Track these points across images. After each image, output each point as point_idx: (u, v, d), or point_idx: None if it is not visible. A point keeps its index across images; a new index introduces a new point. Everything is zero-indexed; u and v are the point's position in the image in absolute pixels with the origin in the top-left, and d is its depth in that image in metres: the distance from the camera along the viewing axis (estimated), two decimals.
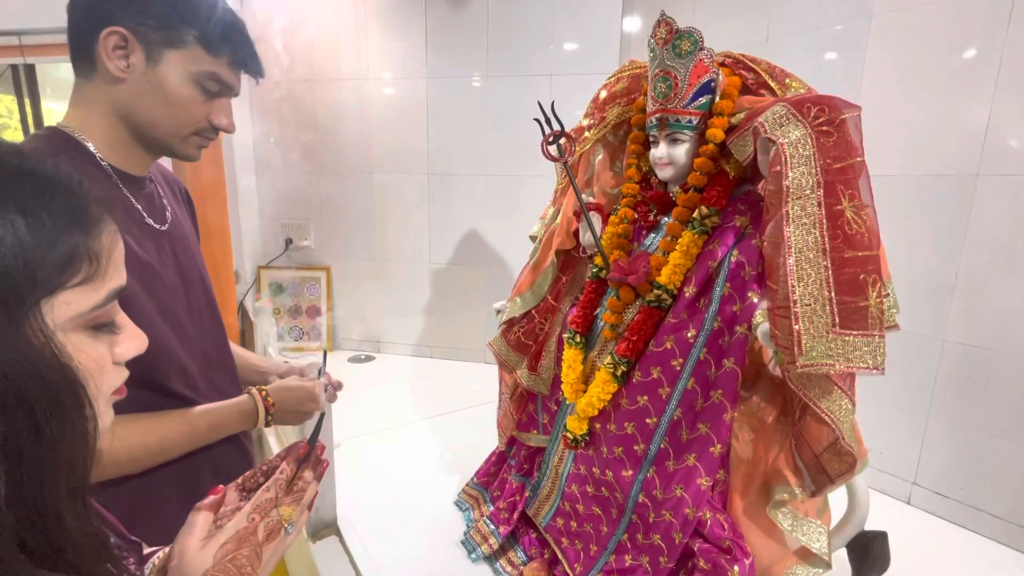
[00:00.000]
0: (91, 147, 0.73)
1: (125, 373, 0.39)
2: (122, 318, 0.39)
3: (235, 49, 0.75)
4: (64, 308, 0.33)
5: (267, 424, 0.87)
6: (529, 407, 1.29)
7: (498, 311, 1.36)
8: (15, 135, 2.67)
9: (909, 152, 1.37)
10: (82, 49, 0.71)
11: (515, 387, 1.30)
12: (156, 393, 0.76)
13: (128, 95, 0.73)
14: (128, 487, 0.74)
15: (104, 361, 0.37)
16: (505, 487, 1.30)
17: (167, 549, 0.50)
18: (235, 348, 0.99)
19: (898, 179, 1.38)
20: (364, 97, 2.27)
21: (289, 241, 2.45)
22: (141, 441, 0.73)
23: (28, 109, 2.31)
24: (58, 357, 0.32)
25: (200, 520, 0.48)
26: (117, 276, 0.37)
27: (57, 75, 2.48)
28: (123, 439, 0.71)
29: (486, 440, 1.44)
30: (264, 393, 0.86)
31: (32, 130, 2.37)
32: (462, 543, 1.25)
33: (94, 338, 0.36)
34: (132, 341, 0.39)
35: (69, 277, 0.33)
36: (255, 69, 0.79)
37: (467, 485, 1.43)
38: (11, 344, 0.30)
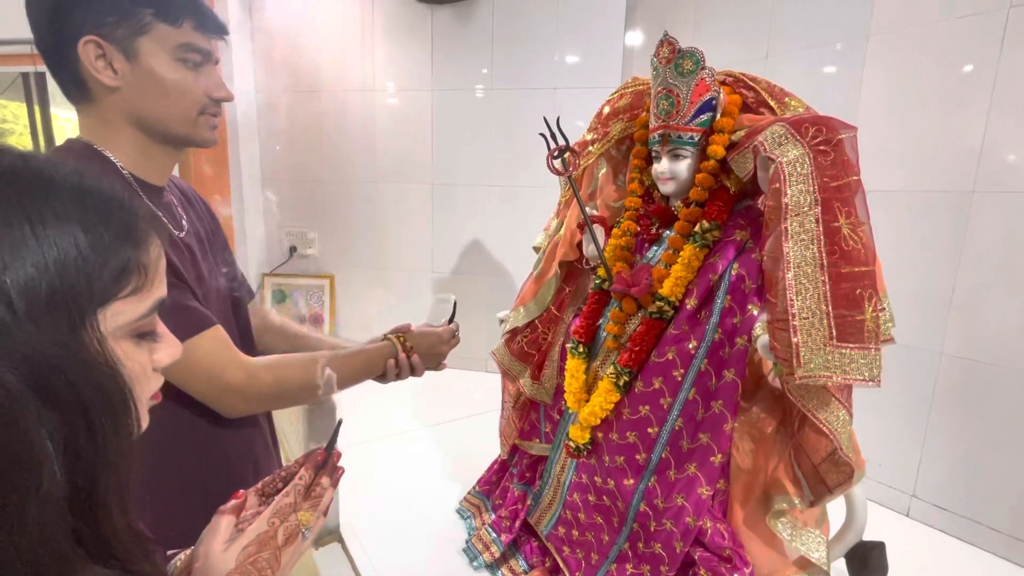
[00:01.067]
0: (112, 158, 0.75)
1: (161, 379, 0.42)
2: (161, 327, 0.41)
3: (192, 11, 0.76)
4: (115, 317, 0.35)
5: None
6: (531, 416, 1.30)
7: (502, 321, 1.38)
8: (19, 140, 2.70)
9: (906, 169, 1.40)
10: (69, 74, 0.73)
11: (518, 396, 1.32)
12: (167, 397, 0.78)
13: (130, 101, 0.74)
14: (149, 488, 0.76)
15: (146, 367, 0.39)
16: (507, 495, 1.31)
17: (188, 552, 0.52)
18: (305, 332, 1.09)
19: (895, 195, 1.41)
20: (369, 107, 2.31)
21: (293, 249, 2.47)
22: (301, 379, 0.82)
23: (37, 116, 2.34)
24: (111, 363, 0.34)
25: (224, 523, 0.50)
26: (161, 287, 0.39)
27: None
28: (286, 378, 0.80)
29: (488, 448, 1.45)
30: (402, 339, 0.97)
31: (40, 136, 2.40)
32: (464, 551, 1.26)
33: (138, 346, 0.38)
34: (169, 349, 0.42)
35: (122, 288, 0.35)
36: (216, 26, 0.80)
37: (469, 493, 1.44)
38: (72, 351, 0.32)
